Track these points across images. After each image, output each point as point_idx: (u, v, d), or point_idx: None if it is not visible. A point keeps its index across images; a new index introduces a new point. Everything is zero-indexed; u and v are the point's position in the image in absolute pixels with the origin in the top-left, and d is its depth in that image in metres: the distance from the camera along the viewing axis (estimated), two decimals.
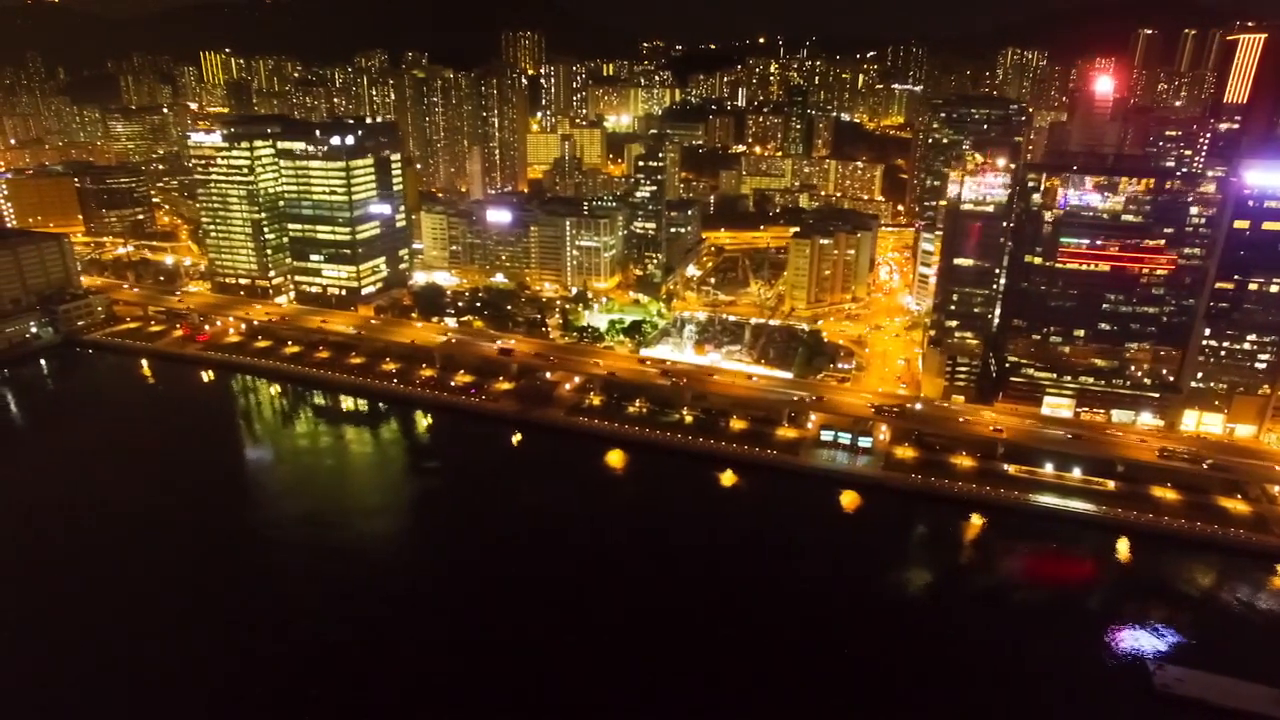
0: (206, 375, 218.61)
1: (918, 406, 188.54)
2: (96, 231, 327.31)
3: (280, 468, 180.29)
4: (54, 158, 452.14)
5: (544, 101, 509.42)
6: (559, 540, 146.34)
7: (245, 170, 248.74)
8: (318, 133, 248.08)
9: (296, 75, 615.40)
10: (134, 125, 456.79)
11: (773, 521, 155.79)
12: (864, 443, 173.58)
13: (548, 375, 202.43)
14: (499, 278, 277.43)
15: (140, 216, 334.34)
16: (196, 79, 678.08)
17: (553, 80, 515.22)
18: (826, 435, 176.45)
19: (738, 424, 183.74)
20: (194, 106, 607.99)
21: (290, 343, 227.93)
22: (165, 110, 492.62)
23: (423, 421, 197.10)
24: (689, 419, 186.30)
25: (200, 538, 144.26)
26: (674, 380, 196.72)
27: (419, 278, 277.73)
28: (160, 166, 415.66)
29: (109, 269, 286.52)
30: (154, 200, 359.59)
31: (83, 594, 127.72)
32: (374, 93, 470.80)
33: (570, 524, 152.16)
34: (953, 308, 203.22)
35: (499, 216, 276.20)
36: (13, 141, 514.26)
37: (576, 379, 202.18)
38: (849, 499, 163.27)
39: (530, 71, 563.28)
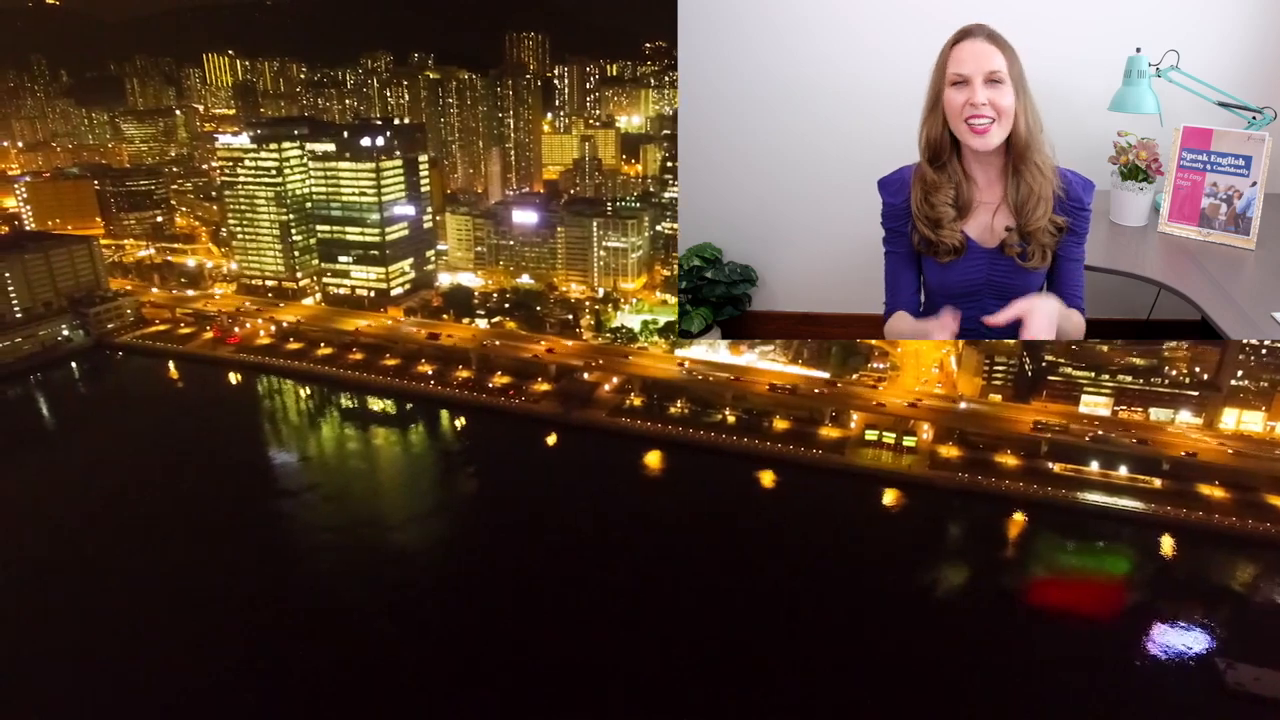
0: (236, 378, 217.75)
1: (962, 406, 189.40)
2: (115, 234, 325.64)
3: (317, 471, 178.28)
4: (66, 160, 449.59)
5: (557, 103, 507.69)
6: (602, 540, 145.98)
7: (273, 172, 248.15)
8: (345, 134, 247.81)
9: (303, 77, 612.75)
10: (147, 128, 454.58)
11: (817, 520, 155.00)
12: (908, 441, 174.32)
13: (586, 376, 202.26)
14: (525, 279, 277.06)
15: (160, 219, 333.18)
16: (201, 81, 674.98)
17: (566, 81, 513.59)
18: (870, 434, 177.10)
19: (780, 424, 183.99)
20: (200, 109, 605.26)
21: (323, 344, 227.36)
22: (178, 112, 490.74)
23: (460, 424, 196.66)
24: (731, 419, 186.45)
25: (239, 542, 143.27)
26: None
27: (443, 279, 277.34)
28: (175, 169, 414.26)
29: (131, 271, 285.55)
30: (170, 202, 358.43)
31: (107, 596, 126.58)
32: (387, 94, 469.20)
33: (613, 524, 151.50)
34: None
35: (526, 217, 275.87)
36: (20, 145, 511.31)
37: (615, 379, 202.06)
38: (893, 498, 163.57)
39: (540, 73, 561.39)
